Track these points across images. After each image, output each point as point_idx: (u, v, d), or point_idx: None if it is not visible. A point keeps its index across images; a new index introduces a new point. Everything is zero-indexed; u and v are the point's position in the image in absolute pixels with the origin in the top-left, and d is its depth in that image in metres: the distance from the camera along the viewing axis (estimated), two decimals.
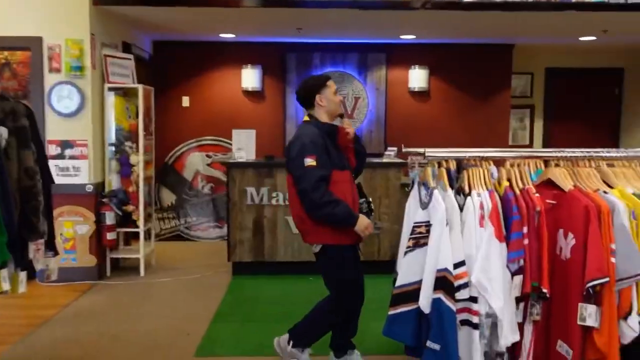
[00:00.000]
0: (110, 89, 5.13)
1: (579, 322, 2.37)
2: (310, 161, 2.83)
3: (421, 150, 2.67)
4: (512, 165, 2.64)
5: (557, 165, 2.84)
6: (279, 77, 7.01)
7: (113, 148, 5.23)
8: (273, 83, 7.03)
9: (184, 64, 6.93)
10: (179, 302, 4.51)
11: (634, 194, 2.49)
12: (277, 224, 5.17)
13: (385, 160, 5.42)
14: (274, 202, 5.15)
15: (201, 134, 6.97)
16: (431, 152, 2.58)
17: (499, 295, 2.32)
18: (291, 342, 3.10)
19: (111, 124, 5.19)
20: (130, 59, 5.35)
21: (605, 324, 2.34)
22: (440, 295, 2.35)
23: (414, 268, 2.57)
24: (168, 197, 6.91)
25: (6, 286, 2.37)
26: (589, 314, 2.36)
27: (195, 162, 6.94)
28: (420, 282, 2.56)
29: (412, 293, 2.58)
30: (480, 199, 2.41)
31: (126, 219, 5.28)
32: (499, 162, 2.86)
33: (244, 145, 5.43)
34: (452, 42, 6.89)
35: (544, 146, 7.82)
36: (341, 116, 3.14)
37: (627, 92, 7.88)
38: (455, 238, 2.36)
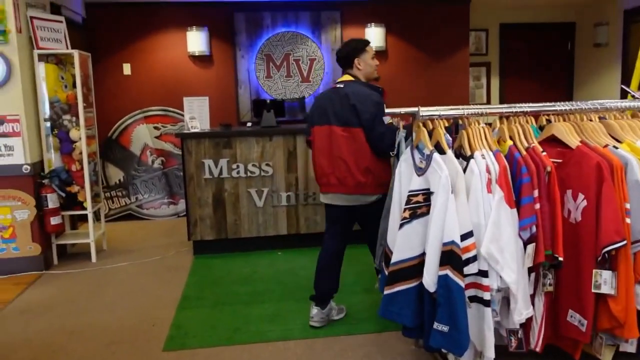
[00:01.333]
0: (41, 56, 4.56)
1: (593, 290, 2.20)
2: (388, 120, 3.05)
3: (412, 109, 2.39)
4: (510, 122, 2.40)
5: (548, 120, 2.65)
6: (228, 39, 6.54)
7: (50, 123, 4.70)
8: (221, 46, 6.55)
9: (122, 27, 6.34)
10: (139, 288, 4.13)
11: None
12: (239, 198, 4.82)
13: None
14: (234, 174, 4.79)
15: (147, 104, 6.45)
16: (425, 110, 2.30)
17: (512, 267, 2.10)
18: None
19: (45, 95, 4.64)
20: (61, 22, 4.76)
21: (621, 290, 2.18)
22: (447, 271, 2.11)
23: (413, 242, 2.32)
24: (115, 175, 6.40)
25: None
26: (604, 281, 2.19)
27: (142, 135, 6.43)
28: (420, 256, 2.32)
29: (411, 269, 2.34)
30: (486, 161, 2.17)
31: (71, 201, 4.79)
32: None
33: (197, 114, 5.02)
34: None
35: (502, 104, 7.75)
36: (376, 79, 3.33)
37: (579, 47, 7.87)
38: (461, 206, 2.12)
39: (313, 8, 6.57)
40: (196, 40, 6.36)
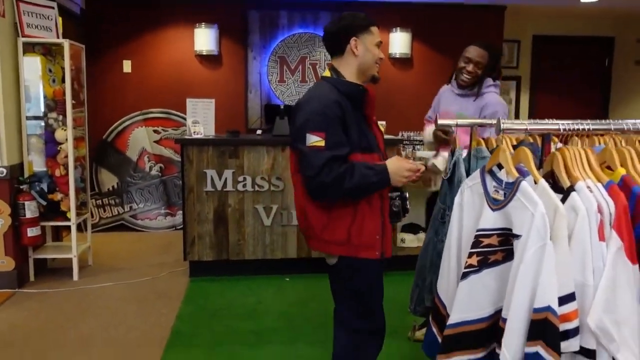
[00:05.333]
0: (26, 45, 4.00)
1: None
2: (315, 140, 1.99)
3: (488, 121, 1.79)
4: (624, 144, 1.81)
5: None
6: (239, 38, 5.97)
7: (34, 121, 4.13)
8: (232, 46, 5.98)
9: (124, 21, 5.78)
10: (123, 318, 3.52)
11: None
12: (244, 215, 4.22)
13: None
14: (240, 187, 4.20)
15: (147, 105, 5.87)
16: (510, 124, 1.70)
17: (632, 349, 1.49)
18: None
19: (30, 89, 4.07)
20: (52, 8, 4.20)
21: None
22: (539, 347, 1.50)
23: (481, 298, 1.72)
24: (109, 180, 5.81)
25: None
26: None
27: (140, 139, 5.85)
28: (490, 318, 1.72)
29: (477, 335, 1.73)
30: (595, 196, 1.56)
31: (53, 210, 4.21)
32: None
33: (200, 118, 4.42)
34: (439, 1, 6.03)
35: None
36: (374, 80, 2.21)
37: (618, 63, 7.28)
38: (562, 258, 1.52)
39: (334, 8, 6.01)
40: (205, 39, 5.80)
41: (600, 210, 1.53)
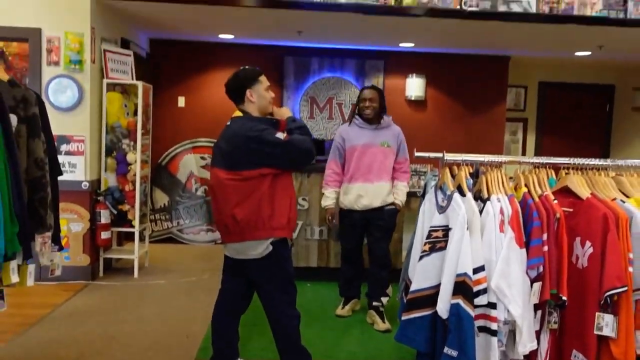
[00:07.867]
0: (109, 85, 5.05)
1: (595, 332, 2.37)
2: (282, 134, 2.75)
3: (438, 154, 2.65)
4: (528, 172, 2.64)
5: (567, 174, 2.86)
6: (276, 80, 6.97)
7: (109, 145, 5.15)
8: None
9: (180, 63, 6.86)
10: (176, 304, 4.43)
11: None
12: None
13: None
14: None
15: (196, 135, 6.89)
16: (450, 156, 2.56)
17: (518, 302, 2.30)
18: None
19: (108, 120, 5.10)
20: (129, 55, 5.27)
21: (622, 334, 2.34)
22: (459, 300, 2.33)
23: (430, 273, 2.55)
24: (161, 199, 6.81)
25: (15, 278, 2.29)
26: (605, 324, 2.36)
27: (189, 164, 6.86)
28: (436, 287, 2.54)
29: (427, 298, 2.56)
30: (500, 204, 2.40)
31: (120, 219, 5.18)
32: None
33: None
34: (450, 52, 6.93)
35: None
36: (271, 115, 2.94)
37: (617, 109, 8.01)
38: (475, 243, 2.35)
39: (358, 56, 6.97)
40: None
41: (502, 212, 2.37)
